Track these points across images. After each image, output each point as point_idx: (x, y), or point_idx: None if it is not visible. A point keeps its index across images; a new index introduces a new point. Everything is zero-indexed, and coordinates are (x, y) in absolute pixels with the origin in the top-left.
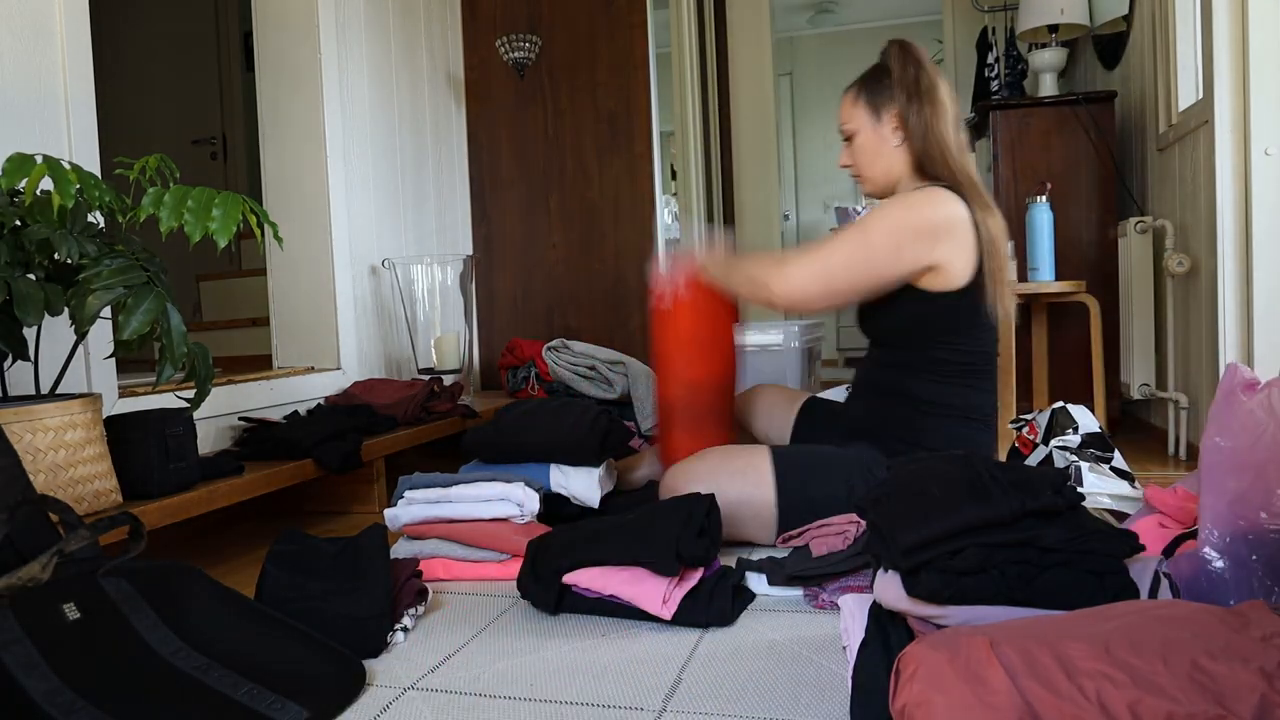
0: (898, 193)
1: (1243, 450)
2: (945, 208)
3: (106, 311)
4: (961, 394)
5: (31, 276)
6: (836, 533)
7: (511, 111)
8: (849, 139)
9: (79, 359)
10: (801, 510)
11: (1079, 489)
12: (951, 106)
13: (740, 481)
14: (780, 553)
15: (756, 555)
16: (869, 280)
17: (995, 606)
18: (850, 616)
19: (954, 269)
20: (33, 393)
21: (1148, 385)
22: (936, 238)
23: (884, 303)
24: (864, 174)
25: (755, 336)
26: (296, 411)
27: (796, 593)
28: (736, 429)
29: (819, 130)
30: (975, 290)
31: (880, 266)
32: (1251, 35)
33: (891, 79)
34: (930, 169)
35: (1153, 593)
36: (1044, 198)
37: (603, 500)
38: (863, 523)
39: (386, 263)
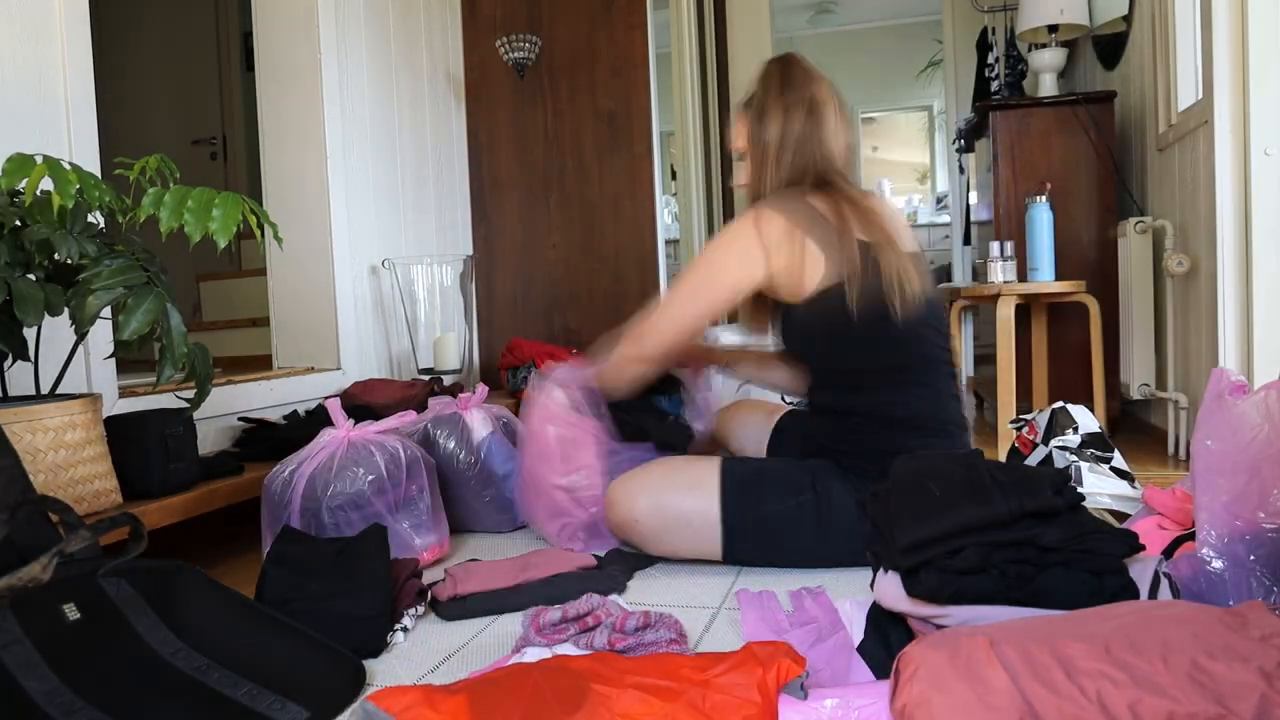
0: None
1: (1235, 451)
2: (761, 225)
3: (106, 312)
4: (900, 402)
5: (31, 277)
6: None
7: (511, 111)
8: (739, 157)
9: (79, 359)
10: (751, 528)
11: (1079, 489)
12: (823, 110)
13: (685, 496)
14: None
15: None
16: (708, 303)
17: (995, 606)
18: (849, 620)
19: (794, 275)
20: (33, 393)
21: (1147, 385)
22: (752, 251)
23: (778, 320)
24: (751, 193)
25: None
26: (296, 412)
27: None
28: (716, 447)
29: None
30: (837, 292)
31: (713, 288)
32: (1251, 35)
33: (760, 94)
34: (798, 179)
35: (1153, 593)
36: (1044, 198)
37: None
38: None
39: (386, 263)
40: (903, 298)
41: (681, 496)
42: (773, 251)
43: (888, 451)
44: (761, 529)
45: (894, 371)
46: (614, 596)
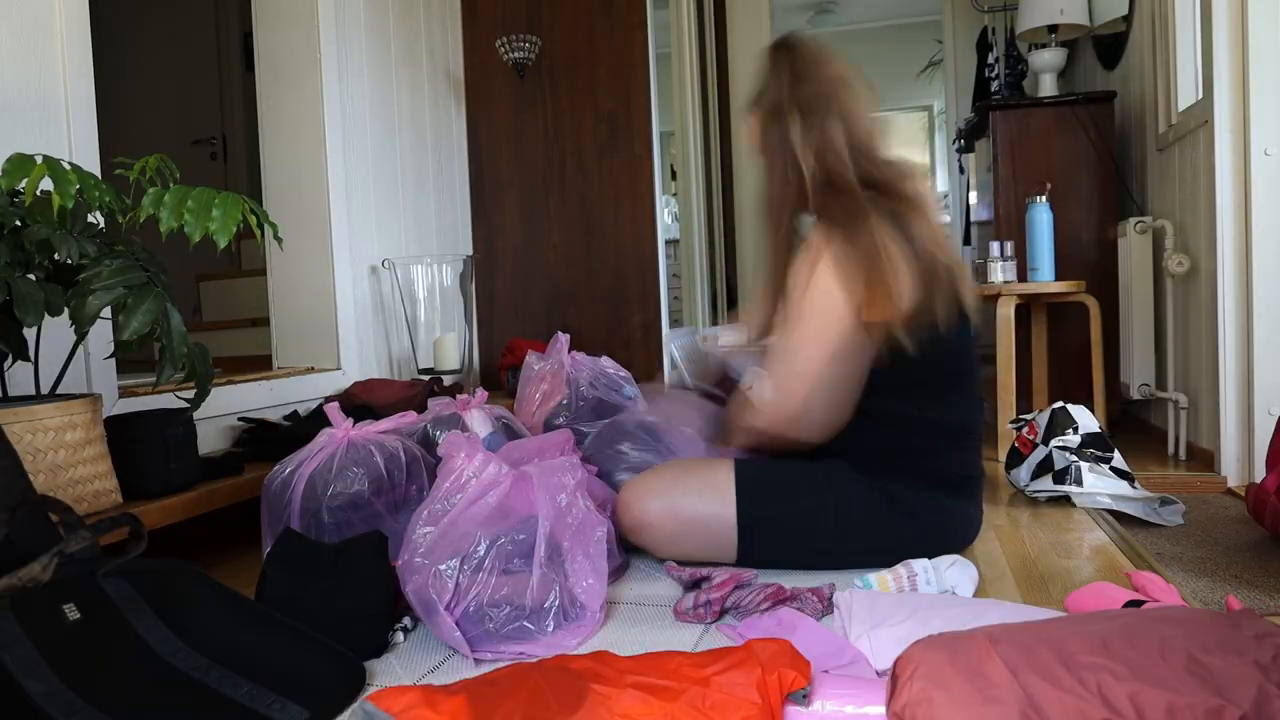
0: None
1: None
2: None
3: (106, 312)
4: (934, 408)
5: (32, 277)
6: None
7: (511, 111)
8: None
9: (79, 359)
10: (767, 530)
11: (1079, 488)
12: (837, 100)
13: (698, 500)
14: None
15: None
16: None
17: None
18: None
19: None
20: (33, 393)
21: (1147, 385)
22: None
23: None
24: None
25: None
26: (296, 412)
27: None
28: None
29: None
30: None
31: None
32: (1251, 35)
33: (772, 89)
34: (825, 177)
35: None
36: (1044, 198)
37: None
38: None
39: (386, 263)
40: (965, 311)
41: (695, 499)
42: (858, 296)
43: (914, 454)
44: (778, 531)
45: (938, 380)
46: None
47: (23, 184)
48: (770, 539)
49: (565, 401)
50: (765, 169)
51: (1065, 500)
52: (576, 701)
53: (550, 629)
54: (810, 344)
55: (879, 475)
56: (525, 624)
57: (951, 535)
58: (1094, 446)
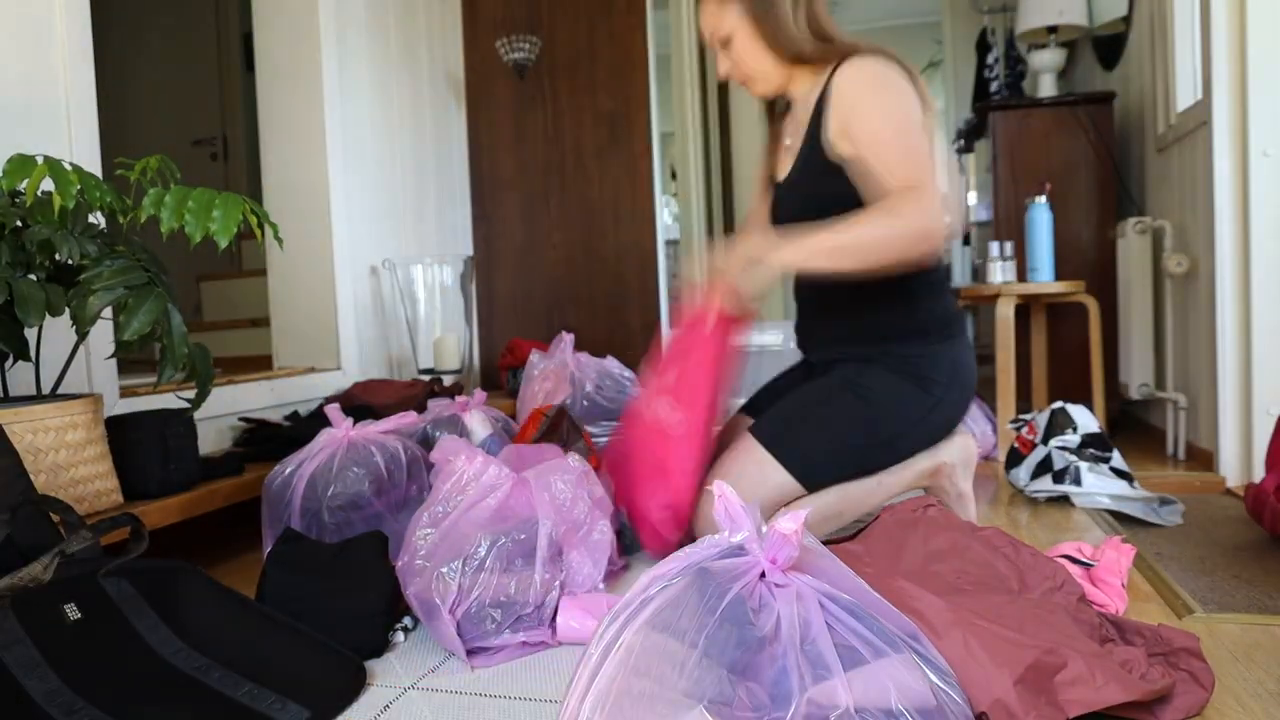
0: (794, 76)
1: None
2: (895, 68)
3: (107, 312)
4: (933, 297)
5: (33, 277)
6: None
7: (511, 111)
8: (725, 44)
9: (80, 359)
10: (824, 468)
11: (1078, 488)
12: None
13: (760, 487)
14: None
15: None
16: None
17: None
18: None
19: None
20: (34, 393)
21: (1147, 385)
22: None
23: (825, 211)
24: (753, 75)
25: (752, 337)
26: (297, 412)
27: None
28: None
29: None
30: None
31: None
32: (1250, 36)
33: None
34: (822, 36)
35: None
36: (1043, 198)
37: None
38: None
39: (386, 263)
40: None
41: (756, 489)
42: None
43: (921, 351)
44: (834, 461)
45: (929, 273)
46: None
47: (24, 184)
48: (832, 470)
49: (569, 401)
50: (751, 48)
51: (1065, 500)
52: None
53: (550, 628)
54: (913, 134)
55: (887, 368)
56: (524, 619)
57: (970, 375)
58: (1093, 446)
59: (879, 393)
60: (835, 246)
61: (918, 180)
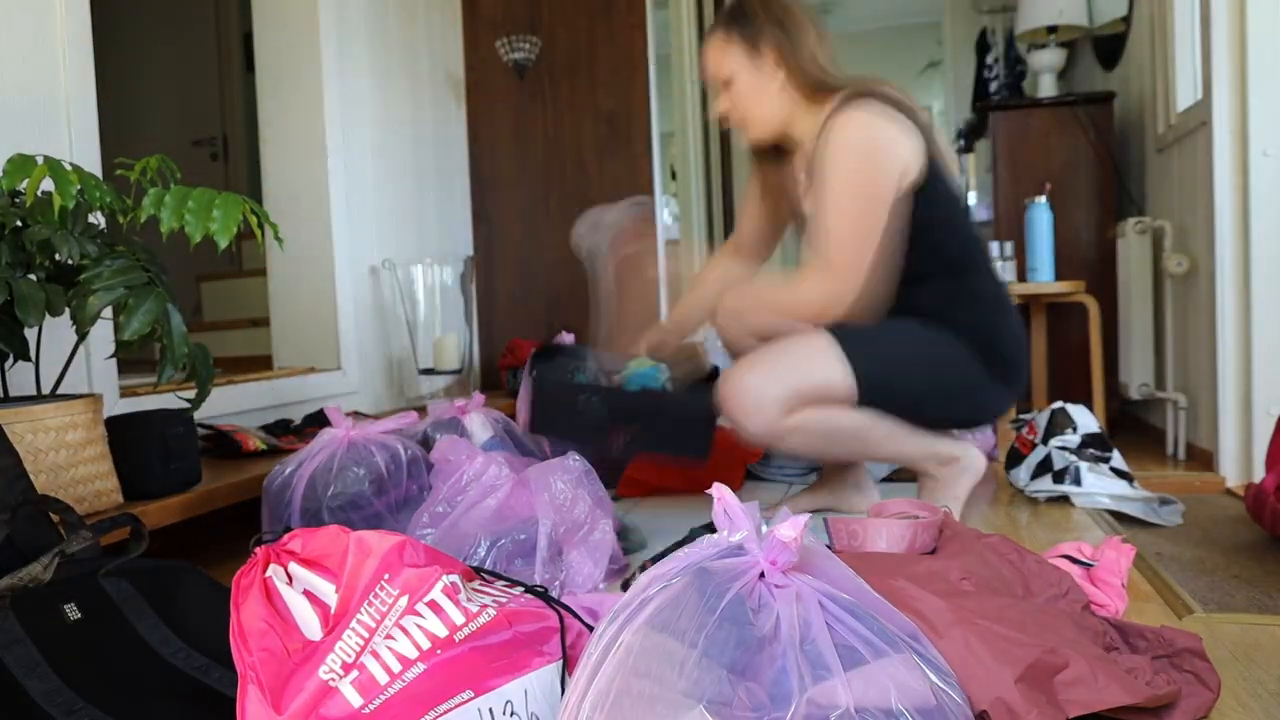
0: (795, 118)
1: None
2: (891, 129)
3: (107, 312)
4: (990, 280)
5: (33, 277)
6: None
7: (511, 112)
8: (726, 85)
9: (80, 359)
10: (888, 383)
11: (1078, 488)
12: (805, 16)
13: (786, 364)
14: None
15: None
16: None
17: None
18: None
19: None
20: (34, 393)
21: (1147, 385)
22: (901, 158)
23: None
24: (750, 119)
25: None
26: (289, 420)
27: None
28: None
29: None
30: (942, 179)
31: (882, 213)
32: (1250, 36)
33: (756, 13)
34: (820, 88)
35: None
36: (1043, 198)
37: None
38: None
39: (386, 263)
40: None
41: (793, 373)
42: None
43: (998, 328)
44: (898, 381)
45: (978, 255)
46: None
47: (24, 184)
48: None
49: None
50: (751, 92)
51: (1064, 500)
52: None
53: None
54: (868, 216)
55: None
56: None
57: (1021, 377)
58: (1093, 446)
59: (958, 346)
60: (756, 304)
61: (841, 263)
